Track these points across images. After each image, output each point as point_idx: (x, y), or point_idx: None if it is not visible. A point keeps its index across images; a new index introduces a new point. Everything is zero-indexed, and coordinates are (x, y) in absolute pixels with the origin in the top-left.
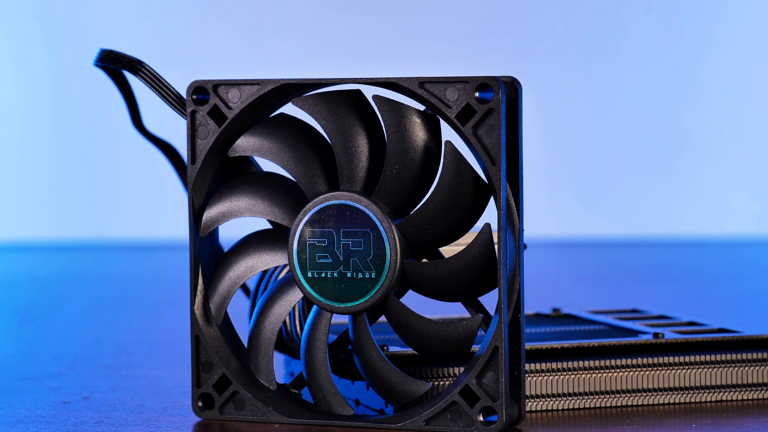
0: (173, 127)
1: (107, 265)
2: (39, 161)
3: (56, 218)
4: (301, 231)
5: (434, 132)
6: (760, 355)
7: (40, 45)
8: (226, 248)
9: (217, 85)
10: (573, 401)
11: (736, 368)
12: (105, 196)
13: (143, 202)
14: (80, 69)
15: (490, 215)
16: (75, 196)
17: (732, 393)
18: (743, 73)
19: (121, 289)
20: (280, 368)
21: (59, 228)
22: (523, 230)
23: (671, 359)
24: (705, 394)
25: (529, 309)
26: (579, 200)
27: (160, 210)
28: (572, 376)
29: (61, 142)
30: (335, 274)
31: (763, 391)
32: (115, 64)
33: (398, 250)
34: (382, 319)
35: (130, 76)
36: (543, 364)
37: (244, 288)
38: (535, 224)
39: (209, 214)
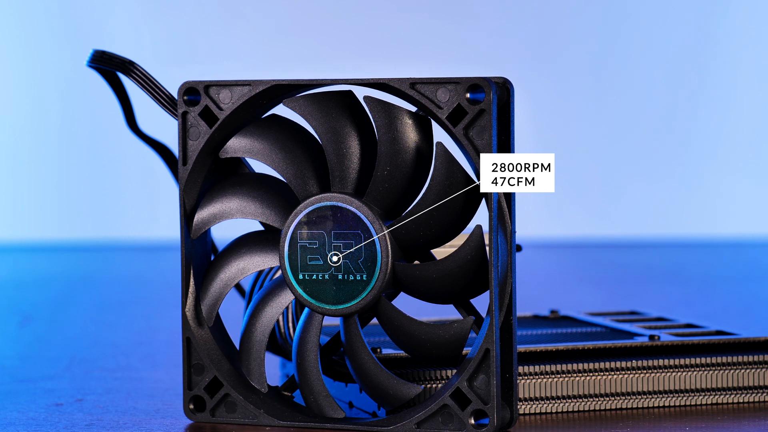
0: (169, 128)
1: (113, 266)
2: (46, 162)
3: (63, 219)
4: (293, 233)
5: (425, 133)
6: (756, 358)
7: (45, 46)
8: (221, 249)
9: (208, 86)
10: (567, 404)
11: (732, 371)
12: (112, 196)
13: (151, 202)
14: (87, 70)
15: (482, 217)
16: (82, 197)
17: (728, 396)
18: (749, 71)
19: (125, 290)
20: (276, 370)
21: (66, 229)
22: (515, 231)
23: (667, 362)
24: (700, 397)
25: (530, 310)
26: (579, 201)
27: (168, 210)
28: (567, 379)
29: (68, 143)
30: (326, 276)
31: (759, 394)
32: (107, 65)
33: (389, 252)
34: (375, 320)
35: (123, 77)
36: (537, 367)
37: (240, 289)
38: (538, 226)
39: (200, 215)
